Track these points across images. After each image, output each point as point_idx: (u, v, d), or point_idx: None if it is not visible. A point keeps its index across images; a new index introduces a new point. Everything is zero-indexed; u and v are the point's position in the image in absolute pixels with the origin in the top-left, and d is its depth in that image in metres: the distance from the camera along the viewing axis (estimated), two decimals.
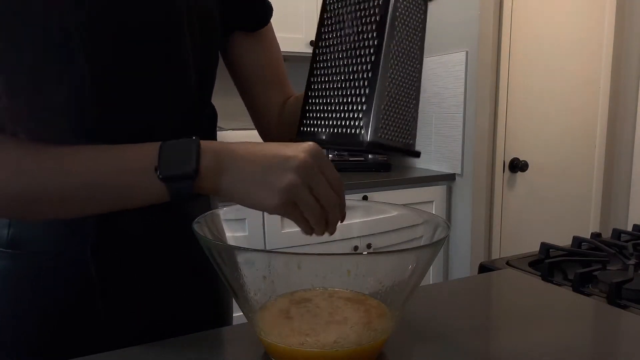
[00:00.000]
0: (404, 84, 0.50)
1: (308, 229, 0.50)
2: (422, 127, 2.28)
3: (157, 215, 0.59)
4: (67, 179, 0.48)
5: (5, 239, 0.55)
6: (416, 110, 0.51)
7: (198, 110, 0.66)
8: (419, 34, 0.50)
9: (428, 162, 2.27)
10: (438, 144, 2.19)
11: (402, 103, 0.50)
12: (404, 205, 0.60)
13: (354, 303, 0.51)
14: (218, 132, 0.72)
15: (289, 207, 0.47)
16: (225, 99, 1.84)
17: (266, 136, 0.78)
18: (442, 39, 2.14)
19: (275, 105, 0.74)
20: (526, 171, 2.16)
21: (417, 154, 0.53)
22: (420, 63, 0.51)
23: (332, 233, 0.51)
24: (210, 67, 0.66)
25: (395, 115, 0.49)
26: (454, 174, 2.12)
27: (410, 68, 0.50)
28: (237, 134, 2.00)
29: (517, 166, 2.14)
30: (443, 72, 2.12)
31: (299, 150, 0.47)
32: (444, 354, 0.51)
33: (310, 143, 0.48)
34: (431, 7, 2.19)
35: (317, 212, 0.48)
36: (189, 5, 0.58)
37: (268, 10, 0.73)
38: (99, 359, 0.50)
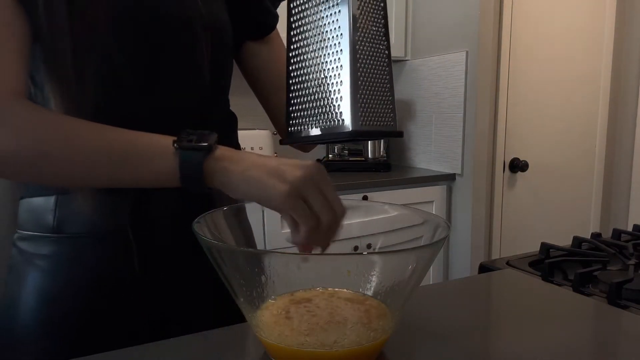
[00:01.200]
0: (375, 71, 0.52)
1: (309, 232, 0.50)
2: (422, 127, 2.28)
3: (190, 203, 0.63)
4: (83, 138, 0.51)
5: (50, 225, 0.59)
6: (392, 94, 0.54)
7: (212, 114, 0.69)
8: (382, 20, 0.52)
9: (428, 162, 2.27)
10: (438, 144, 2.19)
11: (376, 89, 0.52)
12: (404, 205, 0.60)
13: (354, 303, 0.51)
14: None
15: (297, 200, 0.49)
16: None
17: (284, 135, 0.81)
18: (442, 39, 2.13)
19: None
20: (526, 171, 2.16)
21: (400, 134, 0.55)
22: (388, 48, 0.53)
23: (324, 248, 0.53)
24: (225, 74, 0.71)
25: (372, 101, 0.52)
26: (454, 174, 2.12)
27: (377, 54, 0.52)
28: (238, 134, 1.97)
29: (517, 166, 2.14)
30: (443, 72, 2.12)
31: (306, 162, 0.52)
32: (443, 354, 0.51)
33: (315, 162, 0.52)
34: (431, 7, 2.19)
35: (327, 210, 0.50)
36: (202, 14, 0.63)
37: (274, 18, 0.77)
38: (98, 359, 0.50)
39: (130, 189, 0.58)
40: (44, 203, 0.60)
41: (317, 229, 0.51)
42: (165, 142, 0.52)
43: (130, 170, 0.52)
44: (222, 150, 0.52)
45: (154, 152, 0.52)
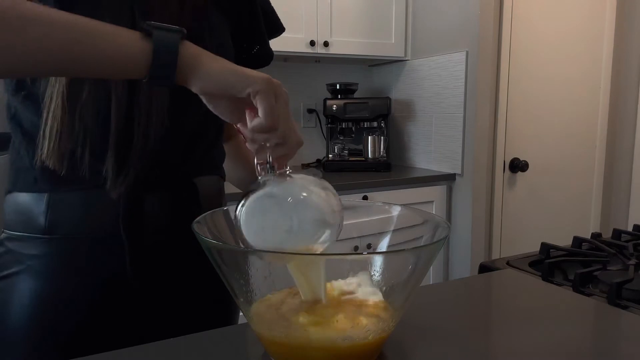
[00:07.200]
0: None
1: (272, 123, 0.47)
2: (422, 127, 2.28)
3: (181, 206, 0.63)
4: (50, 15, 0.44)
5: (42, 226, 0.58)
6: None
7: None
8: None
9: (428, 162, 2.27)
10: (438, 144, 2.19)
11: None
12: (404, 205, 0.60)
13: (354, 302, 0.51)
14: None
15: (275, 88, 0.48)
16: None
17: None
18: (442, 39, 2.13)
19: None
20: (526, 171, 2.16)
21: None
22: None
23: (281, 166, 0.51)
24: None
25: None
26: (454, 174, 2.12)
27: None
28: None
29: (517, 166, 2.14)
30: (443, 72, 2.12)
31: None
32: (444, 354, 0.51)
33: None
34: (431, 7, 2.19)
35: (285, 109, 0.49)
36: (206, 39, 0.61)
37: (270, 56, 0.79)
38: (99, 359, 0.50)
39: (124, 190, 0.57)
40: (34, 203, 0.58)
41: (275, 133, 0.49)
42: (131, 32, 0.47)
43: (91, 49, 0.45)
44: (188, 42, 0.49)
45: (121, 32, 0.47)
